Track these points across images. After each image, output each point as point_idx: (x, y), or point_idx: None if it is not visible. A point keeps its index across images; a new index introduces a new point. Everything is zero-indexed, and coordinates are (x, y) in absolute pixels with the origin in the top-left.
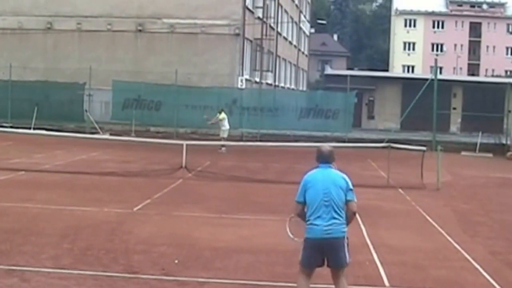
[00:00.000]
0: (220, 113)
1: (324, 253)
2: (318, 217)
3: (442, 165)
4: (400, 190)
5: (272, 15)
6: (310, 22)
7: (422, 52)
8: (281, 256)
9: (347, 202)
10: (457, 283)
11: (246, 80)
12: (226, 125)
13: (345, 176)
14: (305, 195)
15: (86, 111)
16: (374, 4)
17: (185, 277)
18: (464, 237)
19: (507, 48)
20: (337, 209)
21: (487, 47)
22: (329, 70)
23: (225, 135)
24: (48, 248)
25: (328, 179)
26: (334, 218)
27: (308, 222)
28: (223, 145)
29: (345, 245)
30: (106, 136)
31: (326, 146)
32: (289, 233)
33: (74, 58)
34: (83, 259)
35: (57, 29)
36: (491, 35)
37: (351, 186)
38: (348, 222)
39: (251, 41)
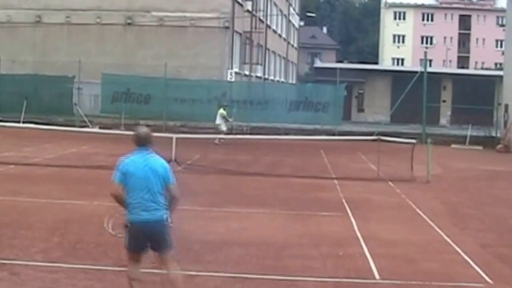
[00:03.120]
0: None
1: (147, 237)
2: (139, 203)
3: (432, 158)
4: (390, 183)
5: (262, 8)
6: (300, 15)
7: (412, 45)
8: (271, 249)
9: (167, 185)
10: (447, 276)
11: (236, 73)
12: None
13: (163, 161)
14: (124, 179)
15: (75, 104)
16: None
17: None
18: (454, 230)
19: (496, 41)
20: (156, 195)
21: (477, 39)
22: (318, 63)
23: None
24: (38, 241)
25: (147, 165)
26: (154, 203)
27: (129, 207)
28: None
29: (167, 229)
30: (96, 129)
31: (144, 128)
32: (111, 231)
33: (63, 51)
34: (73, 252)
35: (46, 23)
36: (480, 27)
37: (169, 170)
38: (171, 207)
39: (240, 34)
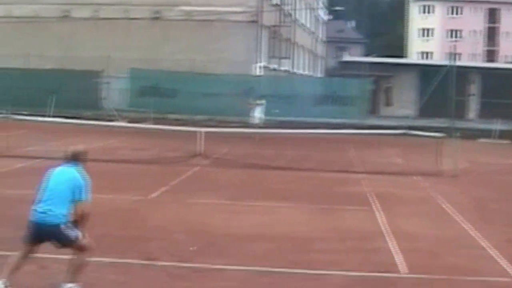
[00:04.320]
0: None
1: (42, 237)
2: (41, 206)
3: (459, 152)
4: (416, 177)
5: (289, 1)
6: (327, 9)
7: (439, 39)
8: (296, 243)
9: (76, 200)
10: (473, 271)
11: (263, 67)
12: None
13: (79, 177)
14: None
15: (103, 98)
16: None
17: (201, 264)
18: (481, 224)
19: None
20: (58, 203)
21: (505, 33)
22: (346, 57)
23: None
24: None
25: (61, 177)
26: (52, 210)
27: (34, 208)
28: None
29: (64, 229)
30: (123, 123)
31: (73, 148)
32: None
33: (90, 46)
34: (99, 246)
35: (73, 17)
36: (509, 21)
37: (83, 187)
38: (78, 221)
39: (267, 28)
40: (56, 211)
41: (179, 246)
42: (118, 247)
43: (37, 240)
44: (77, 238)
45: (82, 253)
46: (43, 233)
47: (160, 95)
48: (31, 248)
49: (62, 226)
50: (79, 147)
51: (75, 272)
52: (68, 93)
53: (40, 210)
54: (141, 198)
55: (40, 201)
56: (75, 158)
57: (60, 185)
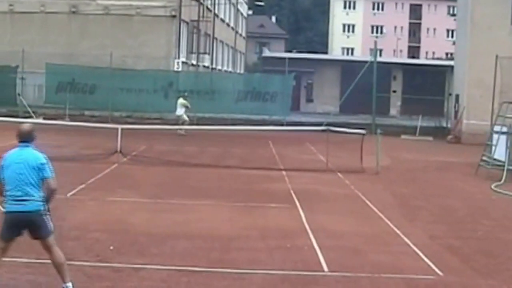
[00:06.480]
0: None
1: (22, 226)
2: (14, 194)
3: (381, 149)
4: (339, 174)
5: None
6: (248, 4)
7: (362, 34)
8: (217, 241)
9: (44, 179)
10: (396, 268)
11: (183, 62)
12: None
13: (41, 155)
14: (1, 172)
15: (18, 94)
16: None
17: (120, 264)
18: (404, 222)
19: (447, 31)
20: (31, 187)
21: (428, 29)
22: (267, 53)
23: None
24: None
25: (23, 160)
26: (28, 195)
27: (5, 199)
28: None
29: (44, 217)
30: (40, 120)
31: (26, 125)
32: None
33: (5, 41)
34: (15, 246)
35: None
36: (431, 17)
37: (46, 165)
38: (48, 199)
39: (187, 23)
40: (31, 196)
41: (98, 246)
42: (35, 247)
43: (14, 234)
44: (52, 231)
45: (55, 248)
46: (23, 224)
47: (77, 91)
48: (8, 244)
49: (42, 213)
50: (27, 125)
51: (64, 270)
52: None
53: (14, 199)
54: (59, 197)
55: (10, 190)
56: (28, 137)
57: (28, 171)
